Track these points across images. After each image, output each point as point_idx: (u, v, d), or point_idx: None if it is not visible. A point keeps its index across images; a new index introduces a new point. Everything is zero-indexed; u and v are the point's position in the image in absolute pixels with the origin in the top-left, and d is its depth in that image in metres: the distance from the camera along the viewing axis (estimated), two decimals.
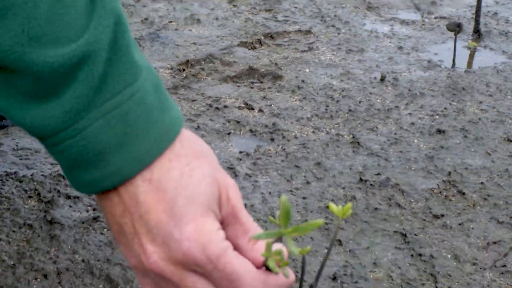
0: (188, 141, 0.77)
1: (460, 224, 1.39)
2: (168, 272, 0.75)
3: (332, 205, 0.88)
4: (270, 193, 1.46)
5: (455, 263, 1.28)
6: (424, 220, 1.40)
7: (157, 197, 0.74)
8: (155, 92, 0.75)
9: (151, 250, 0.74)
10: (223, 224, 0.78)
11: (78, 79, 0.71)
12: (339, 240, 1.32)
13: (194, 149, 0.77)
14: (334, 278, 1.22)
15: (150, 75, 0.75)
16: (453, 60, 2.12)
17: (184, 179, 0.75)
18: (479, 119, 1.79)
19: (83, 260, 1.24)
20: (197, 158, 0.77)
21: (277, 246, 0.82)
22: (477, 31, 2.37)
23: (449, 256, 1.29)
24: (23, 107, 0.72)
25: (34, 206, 1.38)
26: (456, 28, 2.11)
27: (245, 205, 1.42)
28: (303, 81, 2.00)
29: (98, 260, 1.24)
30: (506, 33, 2.43)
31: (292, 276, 0.84)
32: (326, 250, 1.30)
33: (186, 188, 0.75)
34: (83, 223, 1.34)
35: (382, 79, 2.00)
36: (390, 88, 1.95)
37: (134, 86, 0.73)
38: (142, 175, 0.74)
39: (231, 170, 1.53)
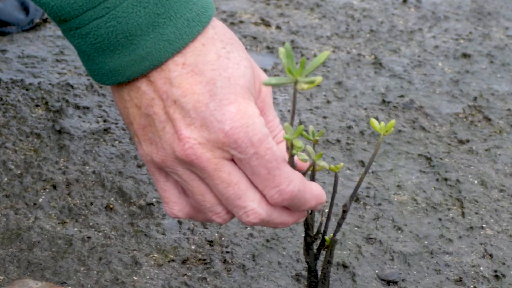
0: (220, 27, 0.72)
1: (486, 150, 1.33)
2: (204, 159, 0.70)
3: (374, 121, 0.81)
4: (288, 111, 1.40)
5: (482, 189, 1.22)
6: (450, 144, 1.34)
7: (193, 80, 0.68)
8: None
9: (188, 135, 0.69)
10: None
11: None
12: (361, 161, 1.26)
13: (227, 35, 0.72)
14: (357, 200, 1.17)
15: None
16: None
17: (221, 61, 0.69)
18: (506, 45, 1.71)
19: (93, 172, 1.18)
20: (232, 44, 0.71)
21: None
22: None
23: (475, 181, 1.24)
24: None
25: (41, 115, 1.31)
26: None
27: None
28: None
29: (110, 173, 1.18)
30: None
31: (323, 194, 0.79)
32: (348, 171, 1.24)
33: (225, 69, 0.69)
34: (93, 134, 1.27)
35: (405, 0, 1.91)
36: (413, 10, 1.86)
37: None
38: (174, 60, 0.68)
39: None
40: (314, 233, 0.88)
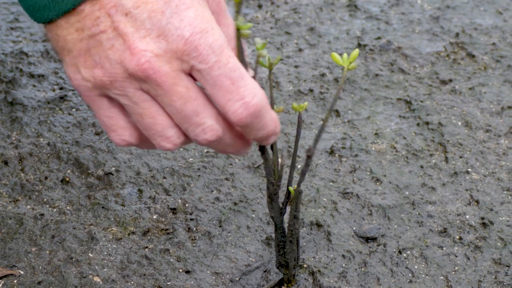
0: None
1: (470, 89, 1.24)
2: (162, 73, 0.65)
3: (335, 55, 0.74)
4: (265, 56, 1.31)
5: (466, 131, 1.14)
6: (431, 85, 1.25)
7: None
8: None
9: (143, 48, 0.64)
10: None
11: None
12: (336, 111, 1.18)
13: None
14: (332, 152, 1.09)
15: None
16: None
17: None
18: None
19: (48, 144, 1.10)
20: None
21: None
22: None
23: (459, 123, 1.15)
24: None
25: None
26: None
27: None
28: None
29: (66, 143, 1.10)
30: None
31: (279, 122, 0.73)
32: (322, 122, 1.16)
33: None
34: (48, 103, 1.19)
35: None
36: None
37: None
38: None
39: None
40: (276, 180, 0.80)
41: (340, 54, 1.28)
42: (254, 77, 0.71)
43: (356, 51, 0.74)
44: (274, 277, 0.88)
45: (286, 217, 0.89)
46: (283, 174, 0.81)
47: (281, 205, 0.83)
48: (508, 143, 1.11)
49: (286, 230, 0.84)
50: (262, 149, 0.77)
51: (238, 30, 0.68)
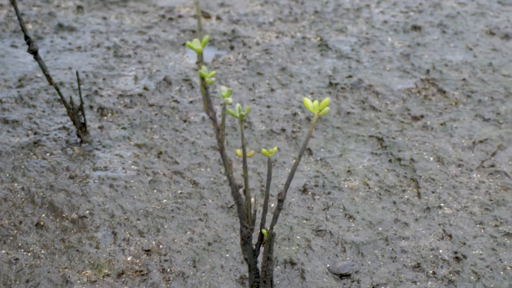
0: None
1: (442, 124, 1.25)
2: None
3: (307, 101, 0.75)
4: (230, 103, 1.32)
5: (438, 166, 1.15)
6: (402, 122, 1.27)
7: None
8: None
9: None
10: None
11: None
12: (309, 149, 1.19)
13: None
14: (304, 190, 1.09)
15: None
16: None
17: None
18: (458, 13, 1.64)
19: (22, 189, 1.10)
20: None
21: None
22: None
23: (431, 158, 1.17)
24: None
25: None
26: None
27: (203, 118, 1.28)
28: None
29: (40, 188, 1.10)
30: None
31: None
32: (294, 161, 1.17)
33: None
34: (22, 148, 1.19)
35: None
36: None
37: None
38: None
39: (187, 82, 1.38)
40: (250, 223, 0.81)
41: (313, 94, 1.30)
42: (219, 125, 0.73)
43: (327, 99, 0.75)
44: None
45: (260, 257, 0.89)
46: (256, 216, 0.82)
47: (254, 247, 0.83)
48: (480, 177, 1.12)
49: (260, 270, 0.84)
50: (236, 193, 0.78)
51: (203, 78, 0.69)
